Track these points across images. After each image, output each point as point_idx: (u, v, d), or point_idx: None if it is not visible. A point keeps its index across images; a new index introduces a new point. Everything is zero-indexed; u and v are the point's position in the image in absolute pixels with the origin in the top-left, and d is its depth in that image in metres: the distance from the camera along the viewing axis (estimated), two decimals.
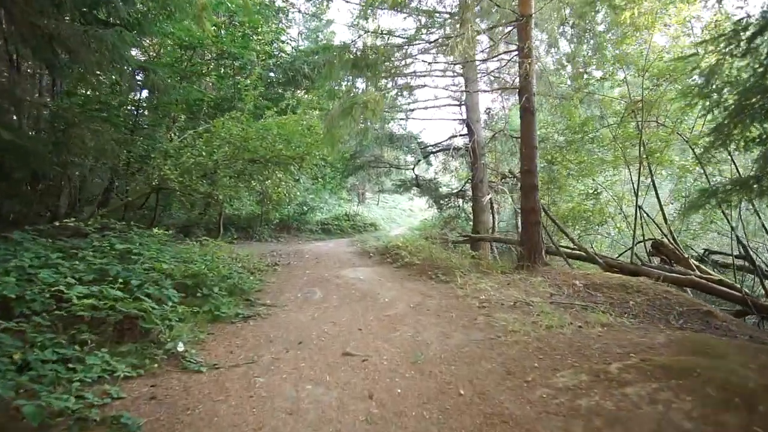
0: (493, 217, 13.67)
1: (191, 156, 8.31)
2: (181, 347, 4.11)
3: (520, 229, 7.73)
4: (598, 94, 10.04)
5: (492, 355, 3.83)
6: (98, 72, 8.36)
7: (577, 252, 8.37)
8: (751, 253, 9.80)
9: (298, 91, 14.70)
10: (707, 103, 5.59)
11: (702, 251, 10.15)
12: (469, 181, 16.80)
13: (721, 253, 10.62)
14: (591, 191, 9.26)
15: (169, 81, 10.42)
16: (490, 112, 16.40)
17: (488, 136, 15.91)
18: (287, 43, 15.29)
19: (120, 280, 4.64)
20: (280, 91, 13.74)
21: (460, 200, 17.85)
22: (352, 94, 10.08)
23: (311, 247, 12.31)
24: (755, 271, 9.28)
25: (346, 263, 8.92)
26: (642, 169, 8.40)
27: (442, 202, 18.55)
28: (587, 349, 3.73)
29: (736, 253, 10.58)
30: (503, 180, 15.97)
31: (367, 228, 21.03)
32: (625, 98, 9.02)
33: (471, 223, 19.07)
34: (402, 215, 29.08)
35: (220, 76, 12.69)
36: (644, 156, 8.07)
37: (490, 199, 13.53)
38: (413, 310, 5.53)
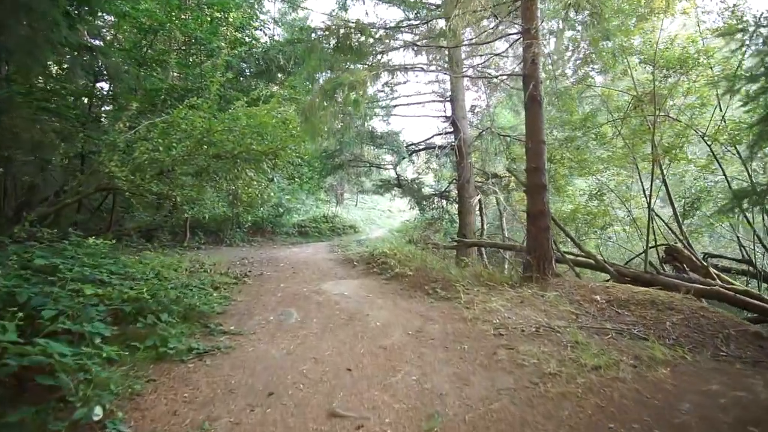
0: (482, 220, 12.69)
1: (145, 151, 6.94)
2: (98, 414, 2.85)
3: (526, 235, 6.69)
4: (602, 87, 9.17)
5: (538, 420, 2.72)
6: (30, 51, 6.91)
7: (585, 259, 7.43)
8: (753, 257, 9.16)
9: (273, 86, 13.38)
10: (754, 88, 4.69)
11: (701, 255, 9.41)
12: (454, 181, 15.82)
13: (719, 256, 9.93)
14: (594, 192, 8.36)
15: (125, 67, 9.02)
16: (475, 109, 15.43)
17: (474, 135, 14.98)
18: (261, 30, 13.91)
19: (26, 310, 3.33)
20: (252, 83, 12.41)
21: (444, 201, 16.86)
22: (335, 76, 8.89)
23: (287, 253, 11.05)
24: (758, 275, 8.60)
25: (327, 274, 7.72)
26: (652, 167, 7.52)
27: (424, 203, 17.51)
28: (673, 413, 2.66)
29: (736, 256, 9.99)
30: (490, 180, 15.07)
31: (346, 230, 19.82)
32: (631, 90, 8.16)
33: (456, 225, 18.15)
34: (381, 216, 27.99)
35: (185, 64, 11.26)
36: (658, 153, 7.20)
37: (480, 200, 12.56)
38: (414, 338, 4.39)
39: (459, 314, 5.03)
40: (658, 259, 7.69)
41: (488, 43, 12.20)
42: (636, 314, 5.09)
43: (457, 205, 16.81)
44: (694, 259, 7.17)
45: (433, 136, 16.28)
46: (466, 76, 14.17)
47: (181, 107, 6.98)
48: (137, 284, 4.72)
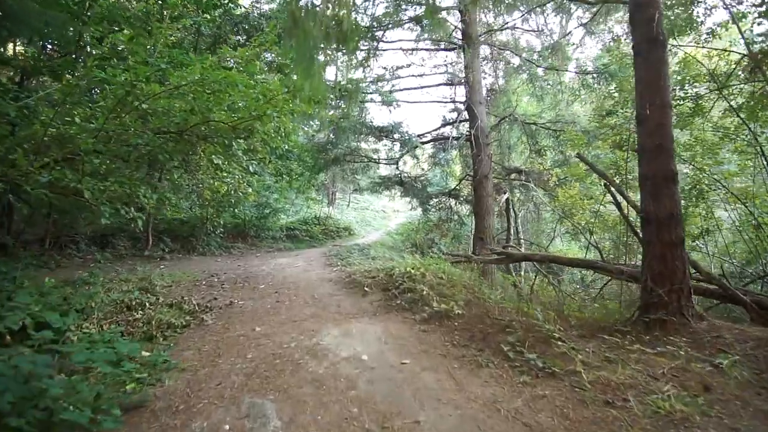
0: (509, 224, 10.14)
1: (47, 122, 4.20)
2: None
3: (644, 252, 4.11)
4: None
5: None
6: None
7: (704, 285, 4.90)
8: None
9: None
10: None
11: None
12: (468, 177, 13.25)
13: None
14: (692, 185, 5.86)
15: None
16: (495, 94, 12.86)
17: (492, 124, 12.45)
18: None
19: None
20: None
21: (453, 201, 14.30)
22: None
23: (272, 266, 8.30)
24: None
25: (326, 308, 5.01)
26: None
27: (430, 203, 14.93)
28: None
29: None
30: (509, 177, 12.56)
31: (340, 233, 17.11)
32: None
33: (465, 227, 15.59)
34: (376, 217, 25.31)
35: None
36: None
37: (508, 198, 10.00)
38: None
39: (599, 415, 2.42)
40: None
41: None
42: None
43: (469, 206, 14.31)
44: None
45: (442, 126, 13.70)
46: (495, 47, 11.55)
47: (96, 54, 4.23)
48: None
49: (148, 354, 3.67)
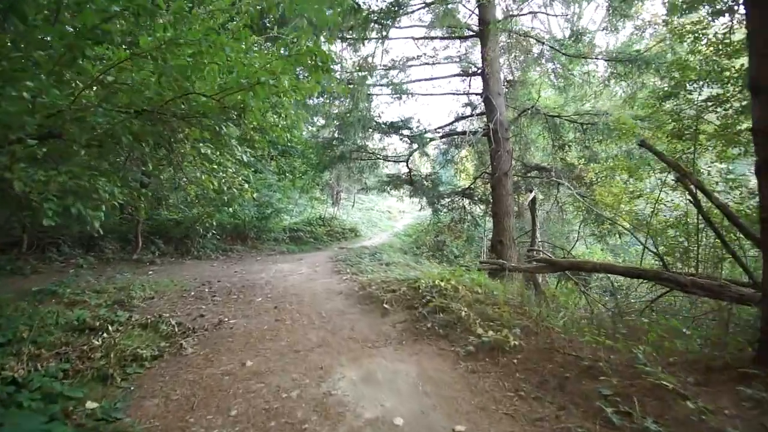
0: (534, 225, 9.03)
1: None
2: None
3: (765, 264, 2.99)
4: None
5: None
6: None
7: None
8: None
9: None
10: None
11: None
12: (485, 175, 12.17)
13: None
14: None
15: None
16: (515, 85, 11.75)
17: (511, 117, 11.35)
18: None
19: None
20: None
21: (466, 201, 13.21)
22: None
23: (272, 273, 7.21)
24: None
25: (339, 334, 3.89)
26: None
27: (442, 202, 13.84)
28: None
29: None
30: (530, 174, 11.47)
31: (346, 235, 16.02)
32: None
33: (477, 228, 14.48)
34: (382, 218, 24.21)
35: None
36: None
37: (534, 198, 8.89)
38: None
39: None
40: None
41: None
42: None
43: (484, 206, 13.21)
44: None
45: (456, 121, 12.62)
46: (515, 35, 10.48)
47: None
48: None
49: (95, 406, 2.61)
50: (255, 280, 6.59)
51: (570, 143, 10.71)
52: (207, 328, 4.20)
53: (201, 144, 4.70)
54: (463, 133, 11.22)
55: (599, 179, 8.86)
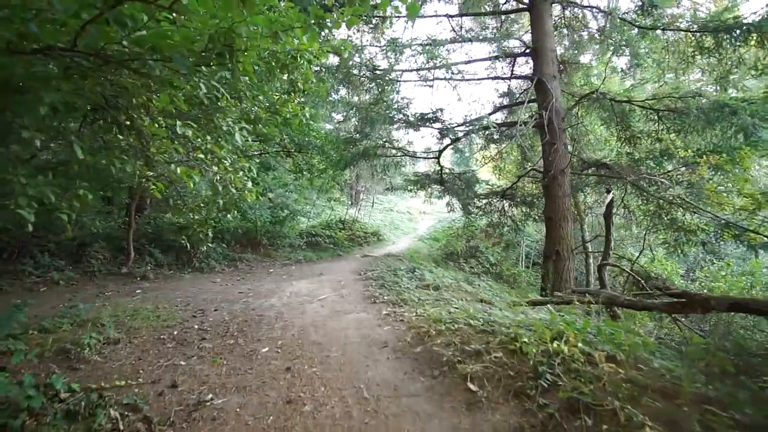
0: (608, 233, 7.09)
1: None
2: None
3: None
4: None
5: None
6: None
7: None
8: None
9: None
10: None
11: None
12: (534, 172, 10.27)
13: None
14: None
15: None
16: (565, 66, 9.82)
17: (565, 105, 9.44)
18: None
19: None
20: None
21: (506, 203, 11.32)
22: None
23: (285, 298, 5.46)
24: None
25: None
26: None
27: (477, 204, 11.98)
28: None
29: None
30: (585, 172, 9.52)
31: (368, 239, 14.26)
32: None
33: (518, 234, 12.55)
34: (403, 220, 22.38)
35: None
36: None
37: (612, 200, 6.95)
38: None
39: None
40: None
41: None
42: None
43: (526, 208, 11.29)
44: None
45: (495, 111, 10.74)
46: (571, 4, 8.55)
47: None
48: None
49: None
50: (263, 309, 4.86)
51: (639, 134, 8.75)
52: (176, 416, 2.48)
53: (179, 122, 2.98)
54: (512, 124, 9.32)
55: (712, 176, 6.88)
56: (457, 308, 4.03)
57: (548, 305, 4.30)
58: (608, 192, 6.85)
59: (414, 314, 4.05)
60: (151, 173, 3.12)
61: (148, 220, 9.18)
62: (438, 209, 22.03)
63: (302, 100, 4.39)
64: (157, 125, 2.77)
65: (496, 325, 3.13)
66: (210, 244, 7.10)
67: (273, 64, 3.97)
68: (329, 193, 13.92)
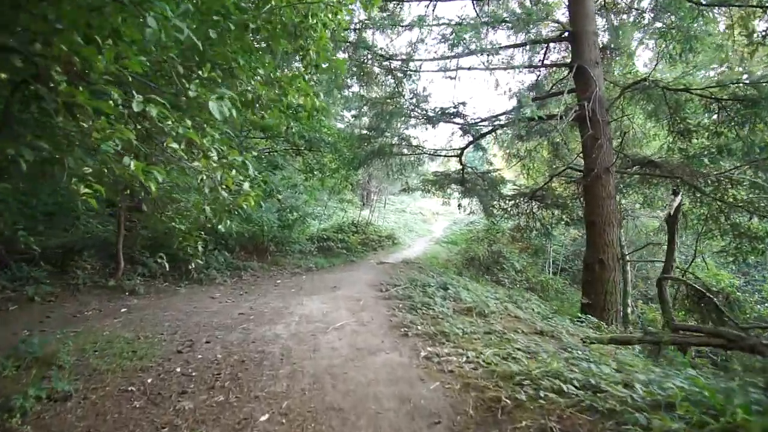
0: (671, 242, 5.90)
1: None
2: None
3: None
4: None
5: None
6: None
7: None
8: None
9: None
10: None
11: None
12: (573, 171, 9.12)
13: None
14: None
15: None
16: (606, 53, 8.64)
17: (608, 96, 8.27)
18: None
19: None
20: None
21: (534, 204, 10.16)
22: None
23: (293, 325, 4.39)
24: None
25: None
26: None
27: (503, 206, 10.84)
28: None
29: None
30: (628, 170, 8.32)
31: (382, 243, 13.18)
32: None
33: (548, 239, 11.38)
34: (416, 221, 21.24)
35: None
36: None
37: (679, 205, 5.77)
38: None
39: None
40: None
41: None
42: None
43: (557, 211, 10.11)
44: None
45: (533, 101, 9.58)
46: None
47: None
48: None
49: None
50: (266, 341, 3.81)
51: (695, 128, 7.56)
52: None
53: (138, 96, 1.95)
54: (551, 117, 8.16)
55: None
56: (521, 350, 2.93)
57: (636, 344, 3.19)
58: (675, 194, 5.70)
59: (465, 358, 2.96)
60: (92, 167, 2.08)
61: (145, 223, 8.22)
62: (452, 210, 20.87)
63: (315, 77, 3.35)
64: (88, 94, 1.73)
65: (607, 396, 2.03)
66: (200, 260, 6.09)
67: (278, 27, 2.91)
68: (341, 194, 12.87)
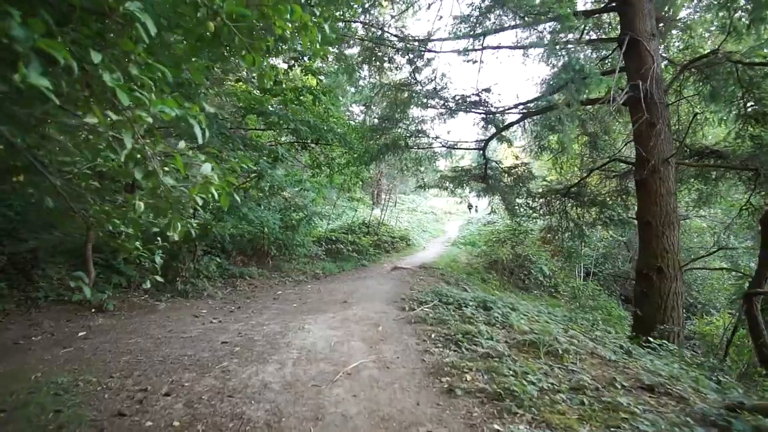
0: (766, 252, 4.60)
1: None
2: None
3: None
4: None
5: None
6: None
7: None
8: None
9: None
10: None
11: None
12: (618, 162, 7.81)
13: None
14: None
15: None
16: (666, 26, 7.31)
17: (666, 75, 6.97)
18: None
19: None
20: None
21: (568, 202, 8.86)
22: None
23: (292, 354, 3.22)
24: None
25: None
26: None
27: (531, 205, 9.56)
28: None
29: None
30: (685, 162, 7.00)
31: (395, 245, 11.94)
32: None
33: (585, 241, 10.00)
34: (429, 221, 19.95)
35: None
36: None
37: None
38: None
39: None
40: None
41: None
42: None
43: (595, 210, 8.75)
44: None
45: (562, 86, 8.30)
46: None
47: None
48: None
49: None
50: (248, 395, 2.61)
51: None
52: None
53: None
54: (592, 102, 6.86)
55: None
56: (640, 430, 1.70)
57: None
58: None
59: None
60: None
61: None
62: (464, 209, 19.57)
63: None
64: None
65: None
66: (158, 277, 4.90)
67: None
68: (351, 191, 11.66)
